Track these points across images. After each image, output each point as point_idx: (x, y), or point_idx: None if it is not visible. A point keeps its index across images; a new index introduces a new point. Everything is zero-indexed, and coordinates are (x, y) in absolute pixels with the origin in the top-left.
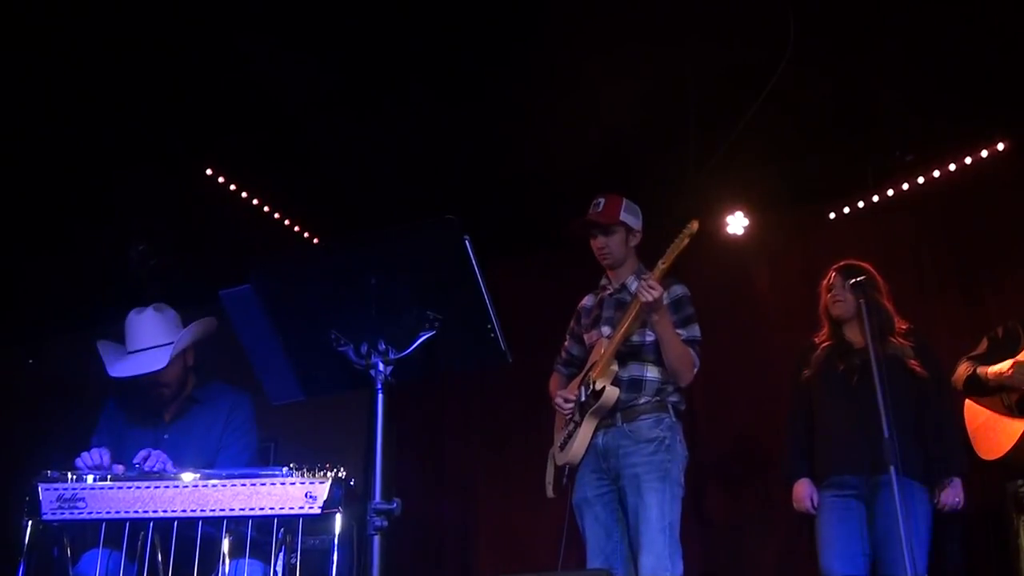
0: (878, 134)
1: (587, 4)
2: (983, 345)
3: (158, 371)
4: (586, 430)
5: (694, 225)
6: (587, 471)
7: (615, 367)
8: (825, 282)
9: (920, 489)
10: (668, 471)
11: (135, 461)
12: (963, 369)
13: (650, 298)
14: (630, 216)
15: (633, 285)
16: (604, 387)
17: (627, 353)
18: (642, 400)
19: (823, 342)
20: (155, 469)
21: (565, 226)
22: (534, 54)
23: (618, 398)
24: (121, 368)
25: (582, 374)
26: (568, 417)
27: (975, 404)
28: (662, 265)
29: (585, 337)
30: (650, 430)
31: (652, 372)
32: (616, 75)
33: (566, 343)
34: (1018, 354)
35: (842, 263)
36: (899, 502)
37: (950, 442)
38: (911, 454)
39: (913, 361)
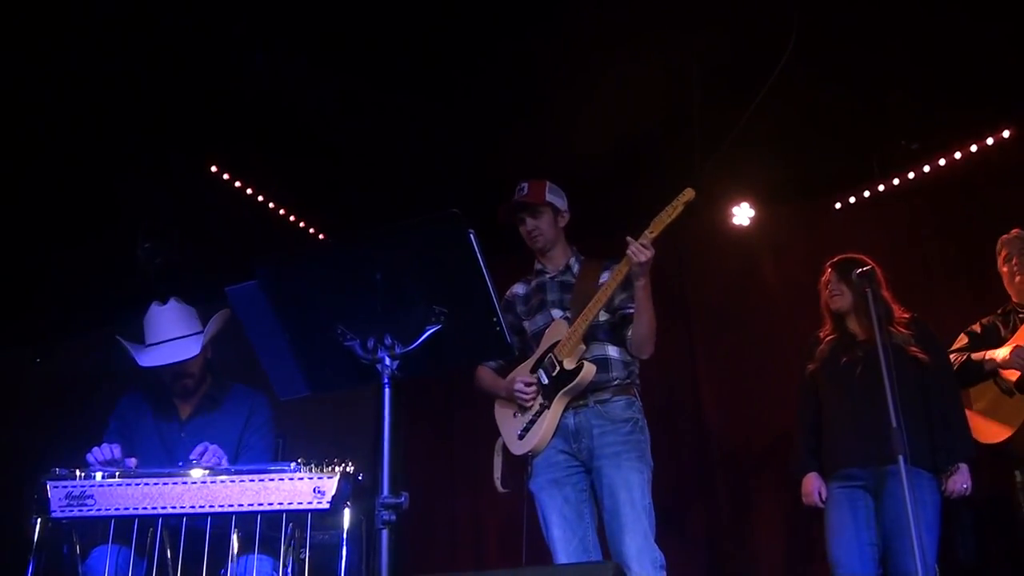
0: (884, 124)
1: None
2: (962, 340)
3: (190, 359)
4: (555, 412)
5: (689, 193)
6: (554, 452)
7: (583, 346)
8: (823, 278)
9: (928, 478)
10: (643, 452)
11: (192, 456)
12: (952, 359)
13: (643, 259)
14: (556, 197)
15: (576, 266)
16: (581, 365)
17: (586, 334)
18: (614, 380)
19: (827, 336)
20: (210, 464)
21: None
22: (539, 49)
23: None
24: (151, 358)
25: (533, 359)
26: (528, 402)
27: (967, 393)
28: (649, 234)
29: (526, 324)
30: (624, 411)
31: (613, 351)
32: (621, 68)
33: None
34: (1004, 344)
35: (836, 258)
36: (908, 492)
37: (956, 428)
38: (918, 442)
39: (914, 348)
